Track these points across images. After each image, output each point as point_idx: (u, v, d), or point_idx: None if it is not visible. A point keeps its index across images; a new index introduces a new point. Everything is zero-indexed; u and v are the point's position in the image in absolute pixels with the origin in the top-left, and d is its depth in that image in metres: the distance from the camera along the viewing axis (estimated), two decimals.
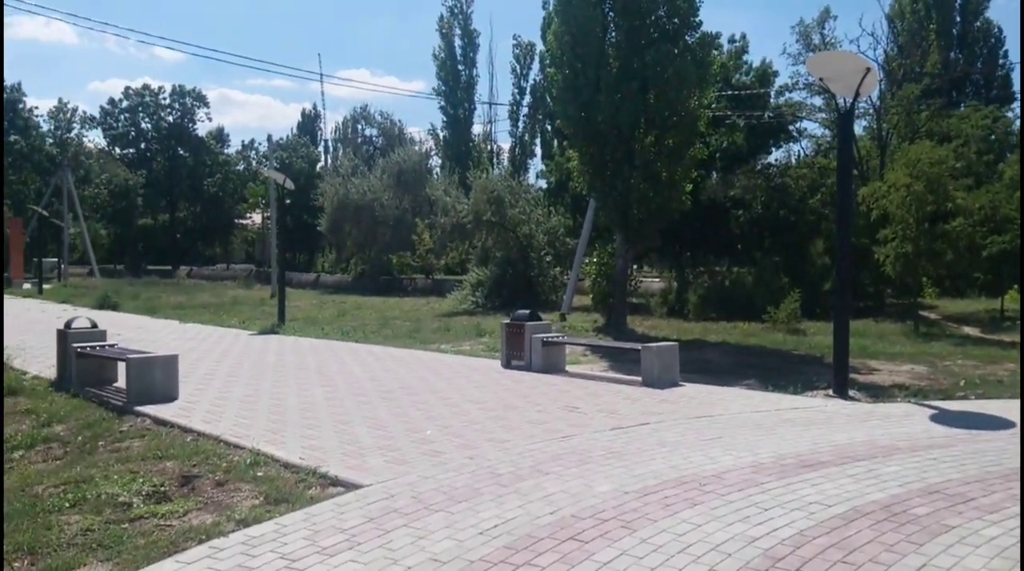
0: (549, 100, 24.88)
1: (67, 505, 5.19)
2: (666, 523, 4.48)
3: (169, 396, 8.80)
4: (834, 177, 19.45)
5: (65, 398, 9.38)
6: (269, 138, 39.04)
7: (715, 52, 21.02)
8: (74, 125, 65.54)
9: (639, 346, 10.13)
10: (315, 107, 79.71)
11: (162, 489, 5.53)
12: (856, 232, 18.72)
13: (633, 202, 17.08)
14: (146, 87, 64.47)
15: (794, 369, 11.58)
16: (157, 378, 8.79)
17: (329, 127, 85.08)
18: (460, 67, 48.00)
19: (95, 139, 67.86)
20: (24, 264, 43.16)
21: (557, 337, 11.18)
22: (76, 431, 7.91)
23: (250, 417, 7.82)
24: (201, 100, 65.95)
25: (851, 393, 9.26)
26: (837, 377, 9.37)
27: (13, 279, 40.86)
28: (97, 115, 65.04)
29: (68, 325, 10.53)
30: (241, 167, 68.84)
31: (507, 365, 11.35)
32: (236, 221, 66.77)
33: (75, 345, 9.94)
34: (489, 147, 50.38)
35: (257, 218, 66.28)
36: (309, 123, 76.93)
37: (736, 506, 4.77)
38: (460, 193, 29.97)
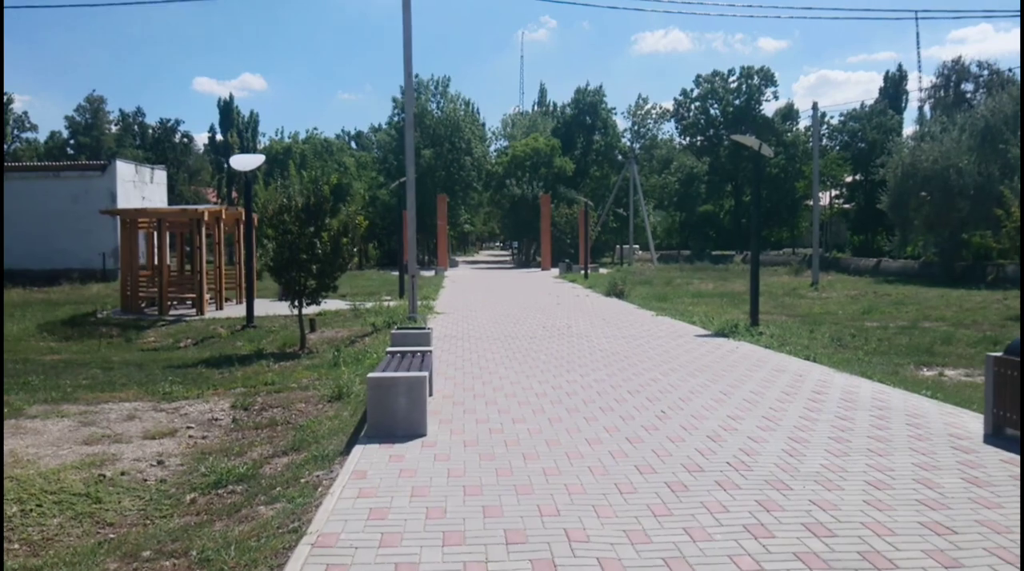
0: None
1: None
2: None
3: (413, 431, 6.50)
4: None
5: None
6: (814, 106, 34.25)
7: None
8: (649, 120, 69.89)
9: None
10: (900, 68, 69.90)
11: None
12: None
13: None
14: (715, 73, 64.63)
15: None
16: (400, 405, 6.56)
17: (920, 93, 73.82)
18: None
19: (669, 131, 71.21)
20: (594, 250, 46.87)
21: None
22: (286, 470, 6.21)
23: (447, 495, 4.97)
24: (768, 79, 63.43)
25: None
26: None
27: (574, 265, 44.61)
28: (671, 108, 67.99)
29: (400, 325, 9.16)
30: (810, 145, 64.31)
31: (995, 432, 6.05)
32: (805, 202, 62.63)
33: (387, 350, 8.42)
34: None
35: (826, 198, 61.03)
36: (892, 87, 67.74)
37: None
38: None
